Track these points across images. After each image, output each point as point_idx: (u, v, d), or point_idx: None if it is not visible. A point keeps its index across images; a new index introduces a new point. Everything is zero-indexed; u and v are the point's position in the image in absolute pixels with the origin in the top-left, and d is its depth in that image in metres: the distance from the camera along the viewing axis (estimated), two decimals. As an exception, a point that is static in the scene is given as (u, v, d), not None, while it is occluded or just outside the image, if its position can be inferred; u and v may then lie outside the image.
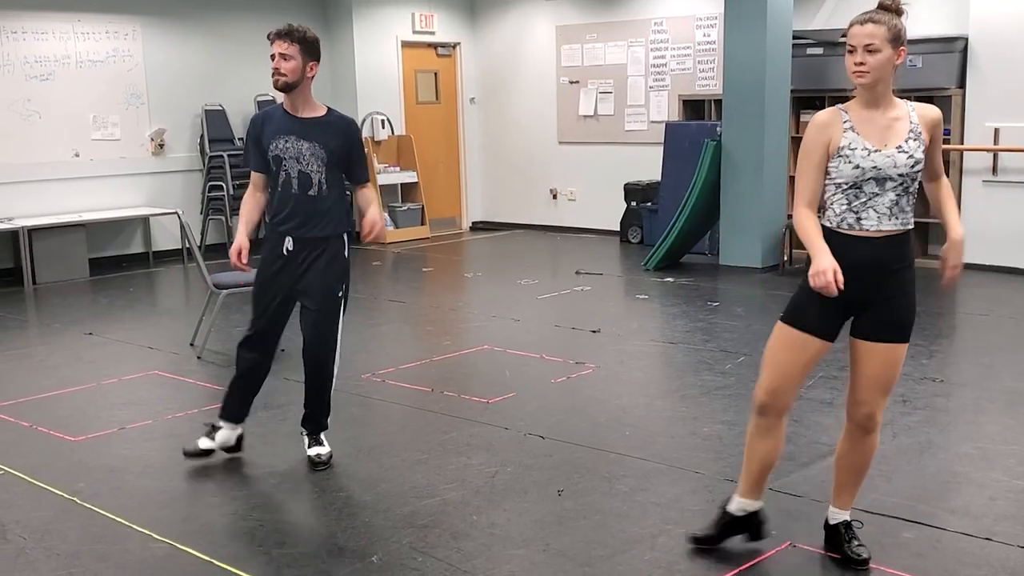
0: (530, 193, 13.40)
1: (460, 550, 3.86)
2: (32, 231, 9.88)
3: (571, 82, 12.77)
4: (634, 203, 11.82)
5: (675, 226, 9.92)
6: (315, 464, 4.77)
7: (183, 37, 11.38)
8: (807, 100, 10.38)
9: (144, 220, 11.22)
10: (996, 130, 9.32)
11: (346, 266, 4.80)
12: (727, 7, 9.80)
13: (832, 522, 3.78)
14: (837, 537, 3.75)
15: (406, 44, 12.88)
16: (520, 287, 9.34)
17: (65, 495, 4.48)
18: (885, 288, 3.50)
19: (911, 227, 3.51)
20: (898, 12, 3.45)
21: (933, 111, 3.53)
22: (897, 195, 3.45)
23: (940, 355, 6.61)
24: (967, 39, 9.44)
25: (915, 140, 3.44)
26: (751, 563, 3.71)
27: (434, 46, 13.27)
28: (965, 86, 9.49)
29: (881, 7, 3.46)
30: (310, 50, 4.61)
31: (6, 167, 10.20)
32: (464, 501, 4.34)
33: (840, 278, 3.34)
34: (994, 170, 9.44)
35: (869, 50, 3.37)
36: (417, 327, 8.10)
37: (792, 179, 10.26)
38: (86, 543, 4.01)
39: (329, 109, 4.77)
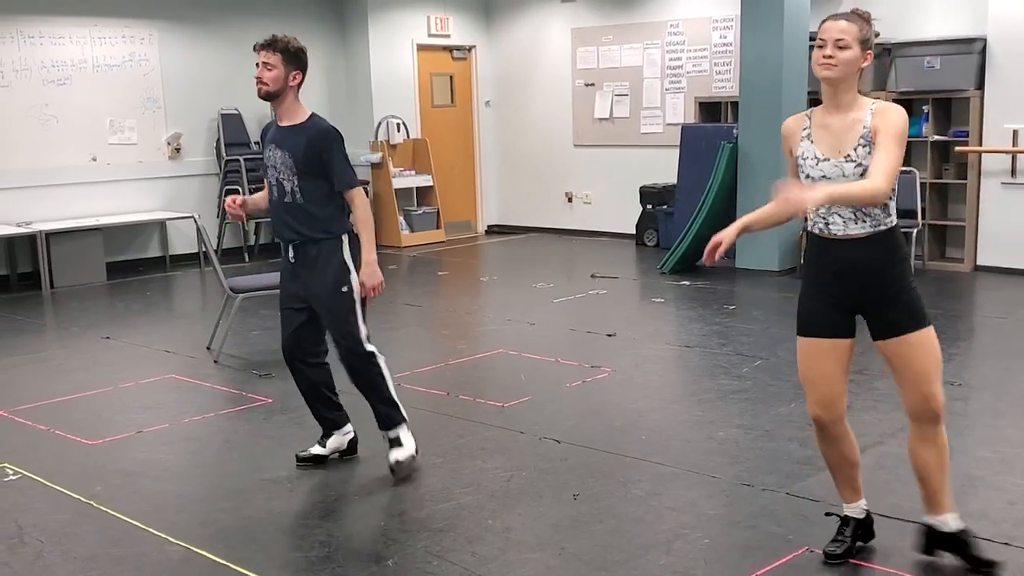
0: (545, 196, 13.39)
1: (475, 554, 3.85)
2: (50, 235, 9.93)
3: (587, 85, 12.76)
4: (650, 206, 11.79)
5: (691, 229, 9.89)
6: (392, 471, 4.69)
7: (199, 41, 11.42)
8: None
9: (161, 224, 11.26)
10: (1015, 132, 9.25)
11: (343, 260, 4.70)
12: (744, 9, 9.78)
13: (944, 530, 3.65)
14: (957, 544, 3.64)
15: (421, 47, 12.90)
16: (535, 291, 9.34)
17: (82, 499, 4.50)
18: (878, 287, 3.50)
19: (886, 227, 3.47)
20: (868, 22, 3.53)
21: (885, 111, 3.44)
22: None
23: (958, 358, 6.57)
24: (986, 40, 9.38)
25: (864, 147, 3.43)
26: (768, 568, 3.69)
27: (449, 49, 13.28)
28: (984, 87, 9.43)
29: (855, 12, 3.55)
30: (292, 60, 4.67)
31: (24, 172, 10.26)
32: (479, 505, 4.33)
33: (720, 248, 3.58)
34: (1012, 172, 9.37)
35: (839, 45, 3.43)
36: (432, 331, 8.10)
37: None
38: (103, 547, 4.02)
39: (311, 116, 4.74)
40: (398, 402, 4.83)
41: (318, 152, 4.63)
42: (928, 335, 3.51)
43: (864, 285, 3.51)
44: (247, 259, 11.53)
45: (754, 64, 9.68)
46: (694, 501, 4.32)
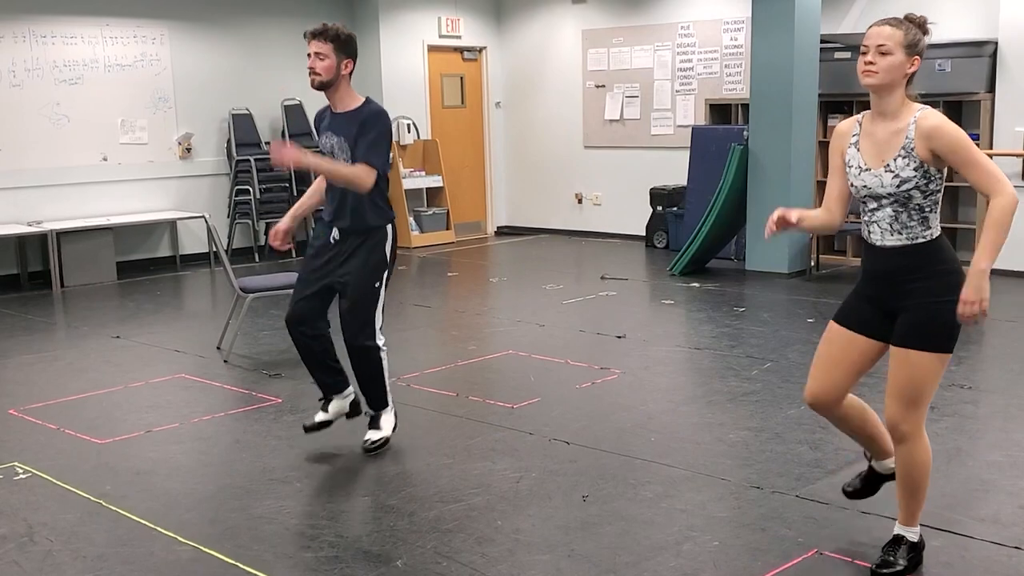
0: (555, 197, 13.39)
1: (485, 555, 3.85)
2: (61, 234, 9.96)
3: (597, 86, 12.76)
4: (660, 208, 11.78)
5: (701, 231, 9.88)
6: (364, 448, 4.94)
7: (210, 41, 11.44)
8: (835, 104, 10.33)
9: (171, 224, 11.29)
10: (1026, 134, 9.24)
11: (384, 257, 4.86)
12: (754, 11, 9.77)
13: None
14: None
15: (432, 48, 12.91)
16: (545, 292, 9.34)
17: (92, 498, 4.51)
18: (906, 296, 3.47)
19: (925, 240, 3.43)
20: (923, 29, 3.43)
21: (932, 130, 3.34)
22: (895, 211, 3.43)
23: (969, 362, 6.55)
24: (996, 43, 9.36)
25: (904, 157, 3.37)
26: (778, 570, 3.68)
27: (460, 50, 13.29)
28: (994, 90, 9.42)
29: (907, 18, 3.45)
30: (344, 48, 4.75)
31: (35, 171, 10.29)
32: (489, 506, 4.33)
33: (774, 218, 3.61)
34: (1023, 175, 9.35)
35: (881, 51, 3.37)
36: (442, 332, 8.10)
37: (819, 183, 10.24)
38: (112, 546, 4.03)
39: (366, 100, 4.86)
40: (388, 388, 5.00)
41: (361, 130, 4.73)
42: (925, 360, 3.42)
43: (894, 292, 3.50)
44: (257, 259, 11.55)
45: (765, 66, 9.67)
46: (704, 503, 4.32)
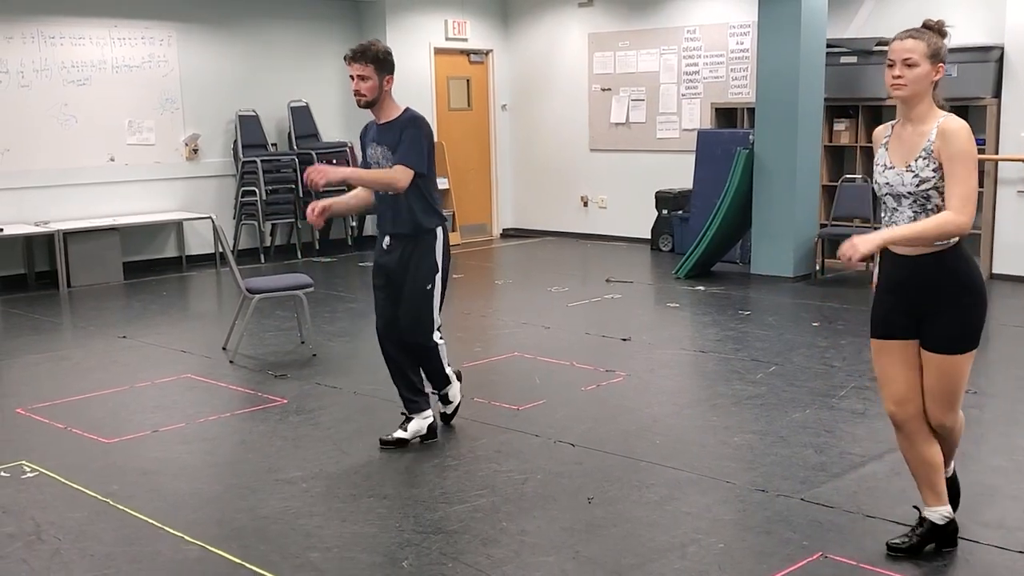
0: (561, 200, 13.40)
1: (490, 556, 3.87)
2: (67, 235, 9.99)
3: (603, 89, 12.77)
4: (665, 211, 11.79)
5: (706, 234, 9.89)
6: (444, 416, 5.40)
7: (218, 43, 11.47)
8: (840, 109, 10.33)
9: (178, 224, 11.31)
10: (1032, 140, 9.24)
11: (435, 260, 5.05)
12: (761, 15, 9.77)
13: (935, 520, 3.82)
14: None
15: (439, 51, 12.92)
16: (550, 294, 9.35)
17: (99, 497, 4.53)
18: (930, 301, 3.58)
19: (943, 247, 3.53)
20: (941, 33, 3.58)
21: (947, 134, 3.48)
22: (914, 212, 3.56)
23: (974, 366, 6.50)
24: (1003, 49, 9.36)
25: (925, 159, 3.52)
26: (782, 573, 3.69)
27: (467, 53, 13.31)
28: (1000, 96, 9.42)
29: (925, 26, 3.58)
30: (383, 66, 4.93)
31: (43, 171, 10.32)
32: (494, 507, 4.34)
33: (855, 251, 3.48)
34: (1030, 180, 9.36)
35: (907, 64, 3.51)
36: (448, 333, 8.05)
37: (824, 188, 10.24)
38: (119, 545, 4.05)
39: (405, 109, 5.03)
40: (448, 372, 5.36)
41: (401, 135, 4.90)
42: (956, 363, 3.62)
43: (920, 299, 3.61)
44: (263, 260, 11.57)
45: (771, 70, 9.67)
46: (709, 506, 4.33)
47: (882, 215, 3.71)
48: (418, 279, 5.03)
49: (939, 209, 3.52)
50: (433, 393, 5.40)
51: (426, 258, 5.03)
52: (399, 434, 5.15)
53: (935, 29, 3.58)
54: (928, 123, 3.55)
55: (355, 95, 4.93)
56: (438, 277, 5.08)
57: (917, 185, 3.52)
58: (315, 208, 5.00)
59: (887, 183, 3.61)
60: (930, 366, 3.65)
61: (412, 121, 4.95)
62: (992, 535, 3.97)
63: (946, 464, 3.87)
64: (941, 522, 3.81)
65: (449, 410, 5.45)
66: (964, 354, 3.63)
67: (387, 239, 5.06)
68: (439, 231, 5.06)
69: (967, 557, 3.80)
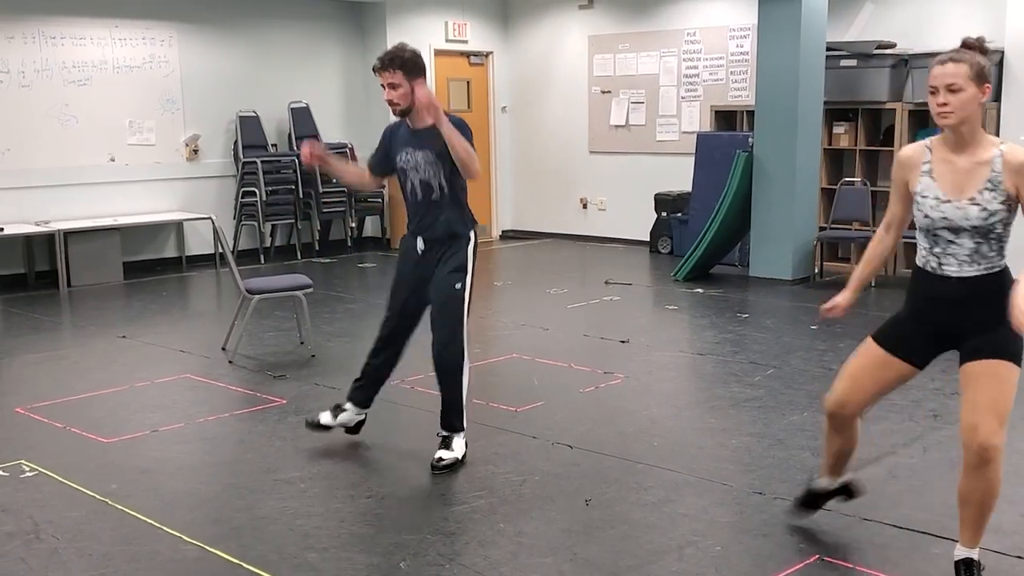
0: (560, 202, 13.41)
1: (487, 558, 3.87)
2: (68, 234, 10.00)
3: (603, 92, 12.78)
4: (664, 213, 11.81)
5: (705, 237, 9.90)
6: (432, 467, 4.82)
7: (219, 44, 11.48)
8: (840, 112, 10.34)
9: (178, 225, 11.32)
10: (1031, 144, 9.23)
11: (465, 261, 4.90)
12: (761, 18, 9.78)
13: (955, 558, 3.58)
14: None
15: (439, 52, 12.93)
16: (549, 296, 9.36)
17: (97, 496, 4.53)
18: (975, 320, 3.43)
19: (999, 268, 3.42)
20: (982, 51, 3.40)
21: (1015, 155, 3.32)
22: (976, 243, 3.39)
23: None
24: (1003, 52, 9.38)
25: (992, 191, 3.33)
26: (779, 575, 3.71)
27: (467, 55, 13.32)
28: (1000, 99, 9.43)
29: (964, 45, 3.41)
30: (413, 70, 4.77)
31: (43, 171, 10.33)
32: (491, 509, 4.35)
33: (837, 313, 3.72)
34: (1029, 184, 9.35)
35: (951, 90, 3.31)
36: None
37: (824, 191, 10.25)
38: (118, 544, 4.05)
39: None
40: (464, 411, 4.95)
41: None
42: (1006, 368, 3.39)
43: (963, 317, 3.45)
44: (263, 260, 11.57)
45: (770, 73, 9.69)
46: (706, 508, 4.33)
47: (928, 246, 3.48)
48: (450, 280, 4.84)
49: (1000, 239, 3.38)
50: (440, 435, 4.95)
51: (456, 259, 4.86)
52: (326, 418, 5.16)
53: (976, 47, 3.39)
54: (985, 150, 3.35)
55: (389, 104, 4.79)
56: (468, 278, 4.89)
57: (985, 219, 3.33)
58: (314, 149, 4.96)
59: (944, 217, 3.38)
60: (984, 375, 3.38)
61: (463, 125, 4.81)
62: (989, 539, 3.96)
63: (967, 536, 3.55)
64: (821, 490, 4.07)
65: (447, 458, 4.84)
66: (1016, 364, 3.39)
67: (420, 241, 4.90)
68: (472, 234, 4.97)
69: (963, 560, 3.80)
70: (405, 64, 4.74)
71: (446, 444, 4.90)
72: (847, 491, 4.11)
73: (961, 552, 3.56)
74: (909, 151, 3.55)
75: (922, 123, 9.67)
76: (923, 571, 3.73)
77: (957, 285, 3.43)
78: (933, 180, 3.43)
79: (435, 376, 4.94)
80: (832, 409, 3.76)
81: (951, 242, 3.42)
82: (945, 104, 3.31)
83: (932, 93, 3.35)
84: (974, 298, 3.43)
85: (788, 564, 3.78)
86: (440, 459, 4.82)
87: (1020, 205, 3.39)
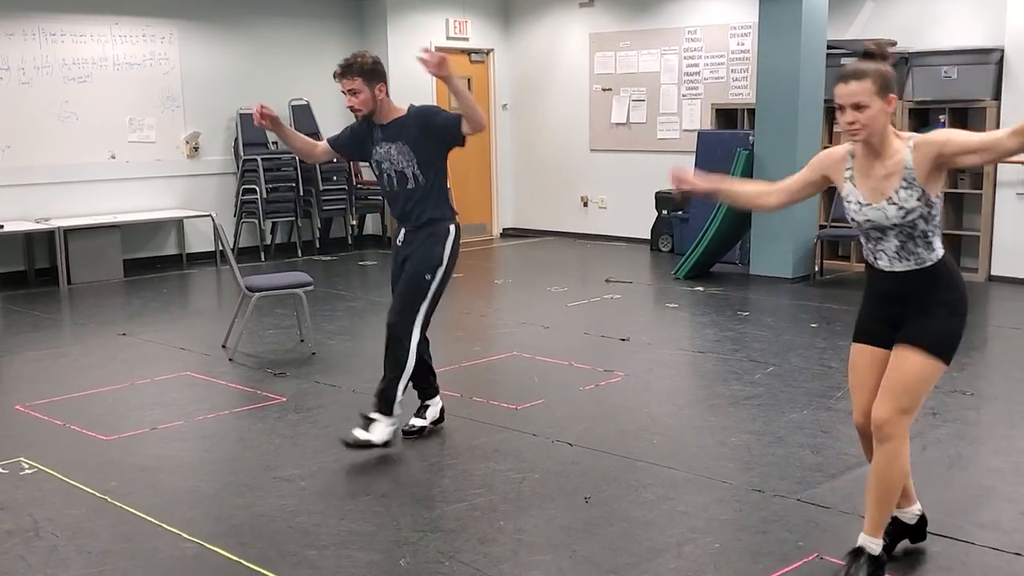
0: (561, 200, 13.41)
1: (487, 555, 3.87)
2: (68, 232, 10.00)
3: (604, 89, 12.78)
4: (665, 212, 11.80)
5: (706, 235, 9.90)
6: (343, 441, 4.88)
7: (219, 41, 11.48)
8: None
9: (178, 222, 11.32)
10: (1032, 142, 9.22)
11: (441, 253, 4.99)
12: (761, 16, 9.78)
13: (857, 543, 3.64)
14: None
15: (440, 50, 12.86)
16: (550, 294, 9.36)
17: (97, 493, 4.54)
18: (914, 310, 3.53)
19: (932, 263, 3.49)
20: (884, 57, 3.42)
21: (929, 140, 3.39)
22: (901, 240, 3.48)
23: (971, 368, 6.56)
24: (1003, 50, 9.37)
25: (907, 188, 3.40)
26: (778, 573, 3.69)
27: (467, 52, 13.32)
28: (1000, 97, 9.42)
29: (866, 53, 3.43)
30: (372, 75, 4.91)
31: (43, 168, 10.33)
32: (491, 506, 4.35)
33: (685, 185, 3.93)
34: (1029, 183, 9.36)
35: (857, 107, 3.35)
36: (447, 333, 8.11)
37: (824, 190, 10.22)
38: (117, 542, 4.05)
39: (410, 106, 5.04)
40: (398, 399, 4.97)
41: (426, 124, 4.91)
42: (926, 363, 3.46)
43: (902, 310, 3.54)
44: (263, 258, 11.58)
45: (771, 71, 9.68)
46: (705, 506, 4.34)
47: (865, 243, 3.62)
48: (418, 267, 4.96)
49: (925, 235, 3.44)
50: (367, 416, 4.94)
51: (433, 248, 4.98)
52: (418, 422, 5.25)
53: (878, 54, 3.41)
54: (898, 151, 3.42)
55: (351, 111, 4.94)
56: (440, 272, 4.98)
57: (903, 217, 3.41)
58: (265, 110, 5.06)
59: (867, 219, 3.50)
60: (896, 360, 3.50)
61: (429, 107, 5.00)
62: (988, 536, 3.97)
63: (875, 532, 3.58)
64: (911, 521, 3.83)
65: (361, 438, 4.85)
66: (932, 358, 3.46)
67: (401, 233, 5.08)
68: (452, 227, 5.05)
69: (963, 559, 3.81)
70: (364, 71, 4.87)
71: (367, 423, 4.92)
72: (914, 531, 3.89)
73: (860, 539, 3.61)
74: (835, 154, 3.65)
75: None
76: (922, 569, 3.73)
77: (892, 279, 3.55)
78: (855, 186, 3.55)
79: (385, 349, 5.02)
80: (860, 422, 3.69)
81: (880, 239, 3.53)
82: (853, 122, 3.38)
83: (839, 110, 3.42)
84: (907, 291, 3.53)
85: (787, 562, 3.79)
86: (356, 438, 4.85)
87: (935, 194, 3.42)
